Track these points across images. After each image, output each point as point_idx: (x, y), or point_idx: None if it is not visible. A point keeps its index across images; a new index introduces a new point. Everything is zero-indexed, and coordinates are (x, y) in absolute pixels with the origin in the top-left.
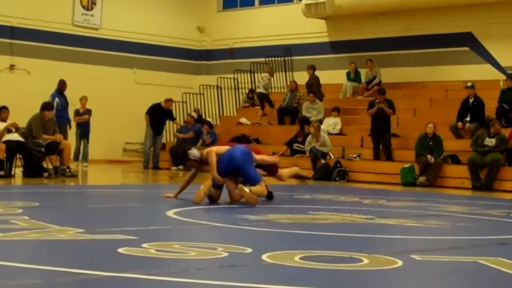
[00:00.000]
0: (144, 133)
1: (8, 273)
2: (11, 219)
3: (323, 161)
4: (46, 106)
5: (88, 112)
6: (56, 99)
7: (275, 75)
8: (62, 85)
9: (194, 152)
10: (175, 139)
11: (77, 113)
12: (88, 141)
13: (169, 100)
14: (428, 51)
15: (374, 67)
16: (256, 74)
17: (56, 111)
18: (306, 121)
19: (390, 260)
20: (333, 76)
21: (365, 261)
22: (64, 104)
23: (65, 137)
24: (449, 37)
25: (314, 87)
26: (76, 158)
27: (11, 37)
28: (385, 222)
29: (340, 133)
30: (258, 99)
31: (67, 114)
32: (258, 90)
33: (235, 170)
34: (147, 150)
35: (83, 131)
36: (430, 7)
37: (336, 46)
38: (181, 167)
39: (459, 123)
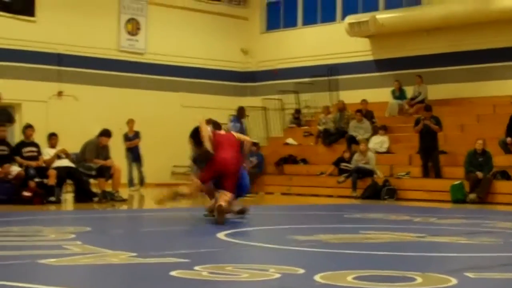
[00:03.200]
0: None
1: None
2: (64, 244)
3: (370, 180)
4: (104, 133)
5: (137, 135)
6: None
7: (319, 94)
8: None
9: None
10: None
11: (126, 137)
12: (141, 165)
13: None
14: (474, 66)
15: (422, 83)
16: (301, 94)
17: None
18: (353, 140)
19: (444, 278)
20: (378, 94)
21: (419, 280)
22: None
23: None
24: (494, 52)
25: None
26: (130, 183)
27: (58, 64)
28: (437, 240)
29: (388, 152)
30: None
31: None
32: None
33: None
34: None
35: (135, 155)
36: (473, 23)
37: (380, 64)
38: None
39: (508, 138)
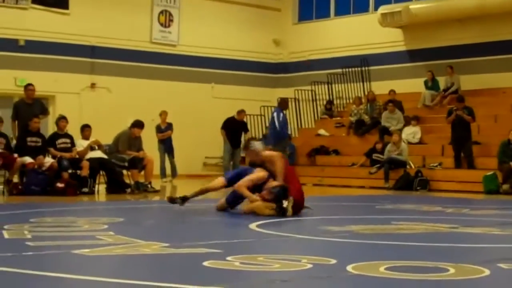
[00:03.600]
0: (223, 147)
1: None
2: (97, 235)
3: (403, 171)
4: (137, 124)
5: (170, 126)
6: None
7: (351, 85)
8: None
9: (257, 144)
10: None
11: (159, 129)
12: (173, 156)
13: (241, 112)
14: (508, 56)
15: (454, 74)
16: (333, 85)
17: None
18: (385, 131)
19: (477, 269)
20: (410, 85)
21: (452, 270)
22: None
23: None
24: None
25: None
26: (163, 174)
27: (92, 56)
28: (470, 231)
29: (420, 142)
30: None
31: None
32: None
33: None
34: (226, 164)
35: (167, 146)
36: (507, 12)
37: (413, 55)
38: None
39: None
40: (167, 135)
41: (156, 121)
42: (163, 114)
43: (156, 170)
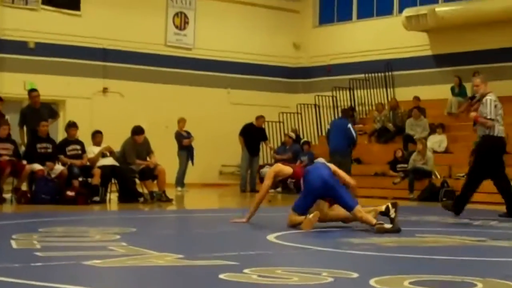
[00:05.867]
0: (240, 155)
1: None
2: (109, 245)
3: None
4: (135, 131)
5: (189, 134)
6: None
7: (374, 91)
8: None
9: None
10: (273, 161)
11: (181, 135)
12: (193, 163)
13: (260, 117)
14: None
15: None
16: (355, 91)
17: None
18: (409, 139)
19: (506, 284)
20: (436, 91)
21: (479, 285)
22: None
23: None
24: None
25: None
26: (181, 183)
27: (104, 59)
28: (498, 244)
29: (446, 151)
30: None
31: None
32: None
33: (326, 193)
34: (243, 173)
35: (191, 153)
36: None
37: (439, 60)
38: (279, 189)
39: None
40: (192, 140)
41: (170, 128)
42: (181, 121)
43: (171, 179)
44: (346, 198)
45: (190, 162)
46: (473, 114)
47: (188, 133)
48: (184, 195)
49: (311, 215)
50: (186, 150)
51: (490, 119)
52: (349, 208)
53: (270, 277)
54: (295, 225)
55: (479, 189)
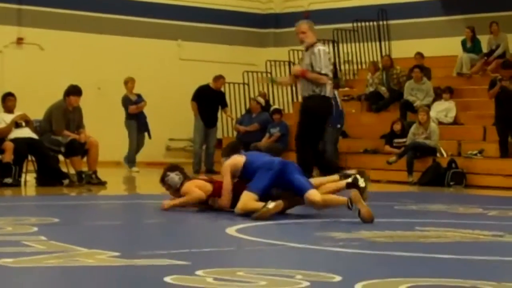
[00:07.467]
0: (193, 126)
1: None
2: (24, 240)
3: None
4: (72, 91)
5: (141, 98)
6: None
7: (366, 45)
8: None
9: (173, 178)
10: (235, 133)
11: (129, 101)
12: (150, 136)
13: (219, 78)
14: None
15: (500, 32)
16: (340, 45)
17: None
18: (409, 107)
19: None
20: (443, 46)
21: None
22: None
23: None
24: None
25: None
26: (132, 161)
27: (19, 2)
28: None
29: (455, 123)
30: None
31: None
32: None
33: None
34: (197, 148)
35: (142, 123)
36: None
37: (447, 6)
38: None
39: None
40: (142, 107)
41: (102, 89)
42: (130, 82)
43: (119, 156)
44: (302, 179)
45: (143, 135)
46: (297, 67)
47: (139, 96)
48: (134, 176)
49: (271, 204)
50: (135, 119)
51: (325, 74)
52: (305, 191)
53: (230, 281)
54: (247, 212)
55: (495, 171)
